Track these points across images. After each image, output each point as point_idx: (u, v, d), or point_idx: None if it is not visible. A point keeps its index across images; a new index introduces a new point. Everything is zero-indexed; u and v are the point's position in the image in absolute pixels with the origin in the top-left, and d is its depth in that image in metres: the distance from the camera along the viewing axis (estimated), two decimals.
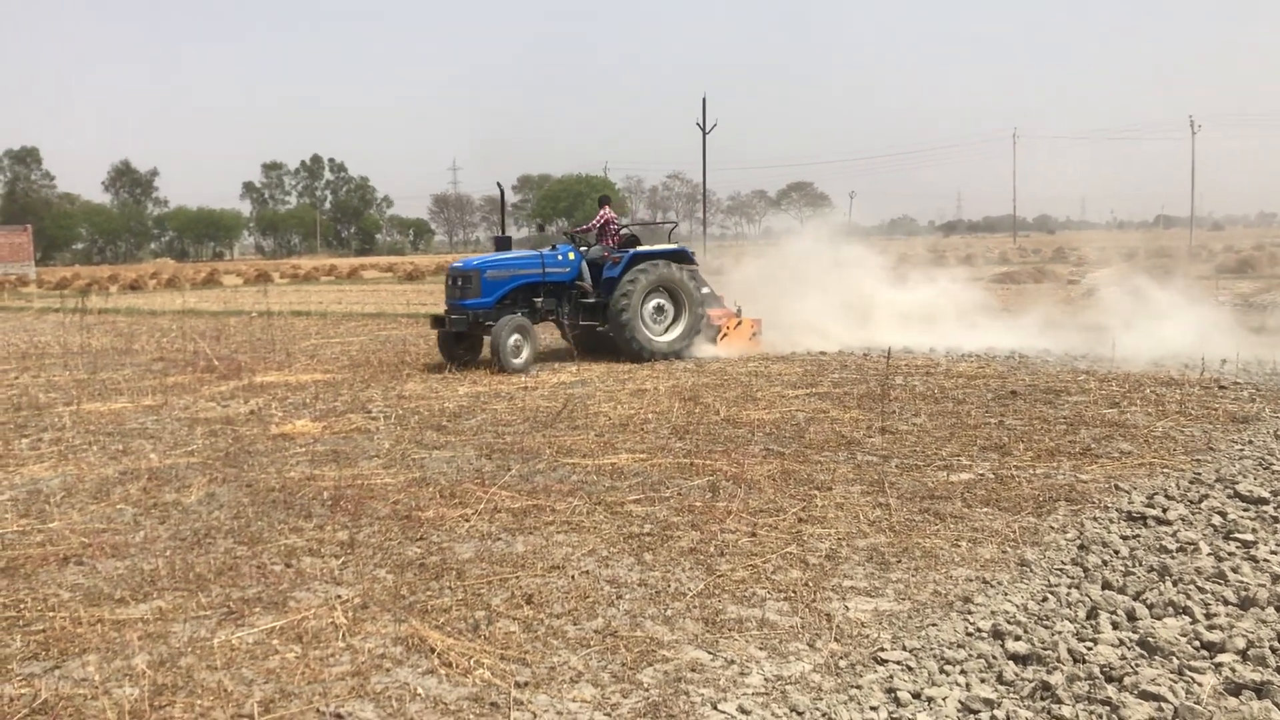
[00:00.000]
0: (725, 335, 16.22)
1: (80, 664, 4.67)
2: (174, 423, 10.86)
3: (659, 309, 15.61)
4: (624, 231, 16.57)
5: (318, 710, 4.21)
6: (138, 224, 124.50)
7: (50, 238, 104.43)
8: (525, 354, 14.44)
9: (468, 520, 6.89)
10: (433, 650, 4.74)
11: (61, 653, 4.80)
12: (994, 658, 4.61)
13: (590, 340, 16.12)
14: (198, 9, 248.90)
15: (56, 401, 12.45)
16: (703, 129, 61.66)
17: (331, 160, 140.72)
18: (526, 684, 4.41)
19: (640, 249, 15.90)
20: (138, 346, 19.54)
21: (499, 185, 18.12)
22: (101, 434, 10.26)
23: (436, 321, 15.45)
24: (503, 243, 16.59)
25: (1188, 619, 4.97)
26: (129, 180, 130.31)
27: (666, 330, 15.68)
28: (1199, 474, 7.83)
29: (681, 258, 16.05)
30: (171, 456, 9.12)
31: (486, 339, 15.19)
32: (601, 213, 16.49)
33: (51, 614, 5.28)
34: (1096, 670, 4.39)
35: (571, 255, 15.62)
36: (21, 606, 5.41)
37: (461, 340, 15.19)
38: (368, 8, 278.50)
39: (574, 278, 15.60)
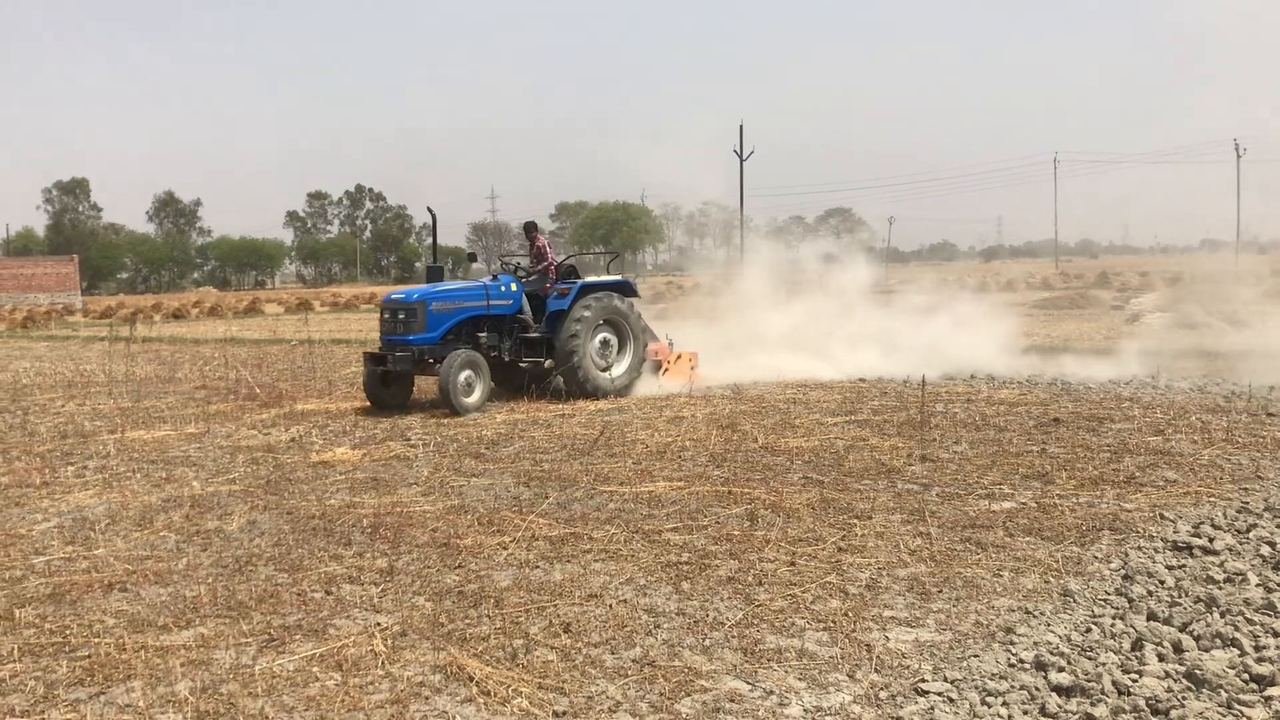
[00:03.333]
0: (667, 369, 15.64)
1: (125, 690, 4.72)
2: (216, 450, 10.98)
3: (604, 343, 14.76)
4: (566, 262, 15.73)
5: None
6: (181, 253, 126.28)
7: (96, 267, 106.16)
8: (478, 393, 13.35)
9: (506, 548, 6.90)
10: (471, 678, 4.75)
11: (106, 679, 4.85)
12: (1037, 689, 4.54)
13: (501, 372, 14.87)
14: (245, 44, 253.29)
15: (101, 429, 12.63)
16: (740, 156, 61.91)
17: (371, 190, 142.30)
18: (564, 713, 4.41)
19: (588, 280, 15.05)
20: (181, 375, 19.80)
21: (429, 210, 16.66)
22: (145, 462, 10.39)
23: (374, 360, 13.83)
24: (435, 272, 15.32)
25: (1236, 651, 4.88)
26: (173, 210, 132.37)
27: (611, 366, 14.87)
28: (1246, 503, 7.70)
29: (625, 289, 15.30)
30: (214, 484, 9.22)
31: (418, 377, 14.36)
32: (539, 241, 15.55)
33: (96, 640, 5.35)
34: (1142, 703, 4.32)
35: (514, 286, 14.64)
36: (67, 633, 5.49)
37: (390, 381, 13.96)
38: (407, 39, 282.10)
39: (516, 310, 14.63)
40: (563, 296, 14.58)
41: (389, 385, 13.94)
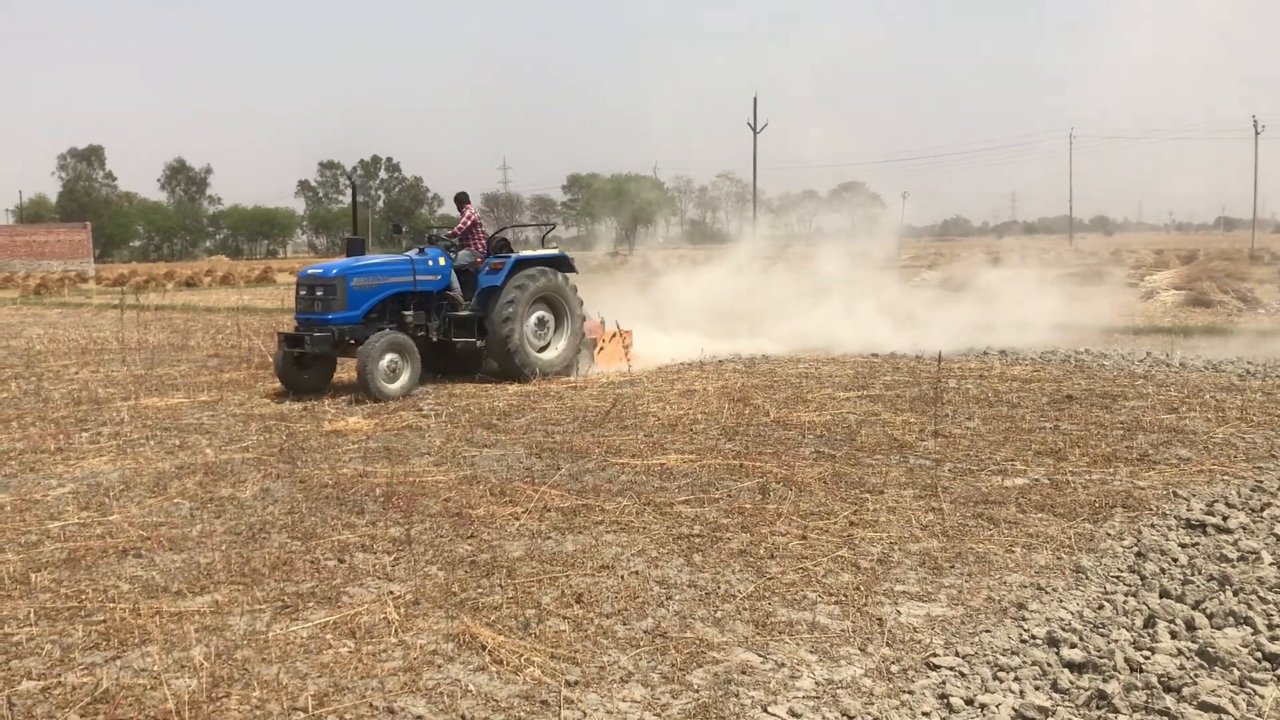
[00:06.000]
0: (601, 349, 14.89)
1: (140, 655, 4.76)
2: (229, 418, 11.02)
3: (540, 322, 13.81)
4: (498, 235, 14.65)
5: (370, 705, 4.25)
6: (193, 222, 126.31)
7: (108, 235, 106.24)
8: (405, 378, 12.28)
9: (518, 519, 6.92)
10: (484, 647, 4.77)
11: (121, 643, 4.89)
12: (1049, 665, 4.55)
13: (428, 354, 13.47)
14: (258, 11, 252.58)
15: (115, 396, 12.68)
16: (753, 128, 61.66)
17: (388, 159, 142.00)
18: (577, 683, 4.43)
19: (523, 254, 14.04)
20: (193, 343, 19.85)
21: (349, 178, 14.68)
22: (158, 429, 10.43)
23: (291, 341, 12.57)
24: (356, 245, 14.07)
25: (1249, 629, 4.87)
26: (184, 178, 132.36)
27: (548, 346, 13.97)
28: (1261, 482, 7.67)
29: (562, 264, 14.34)
30: (227, 452, 9.25)
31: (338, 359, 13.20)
32: (467, 212, 14.37)
33: (112, 605, 5.38)
34: (1154, 680, 4.32)
35: (442, 261, 13.49)
36: (83, 597, 5.52)
37: (307, 364, 12.77)
38: (418, 6, 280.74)
39: (445, 287, 13.55)
40: (495, 272, 13.59)
41: (306, 368, 12.80)
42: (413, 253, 13.60)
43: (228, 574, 5.87)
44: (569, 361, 14.12)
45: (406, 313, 13.09)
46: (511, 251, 14.19)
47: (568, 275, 14.36)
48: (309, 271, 13.10)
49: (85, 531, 6.78)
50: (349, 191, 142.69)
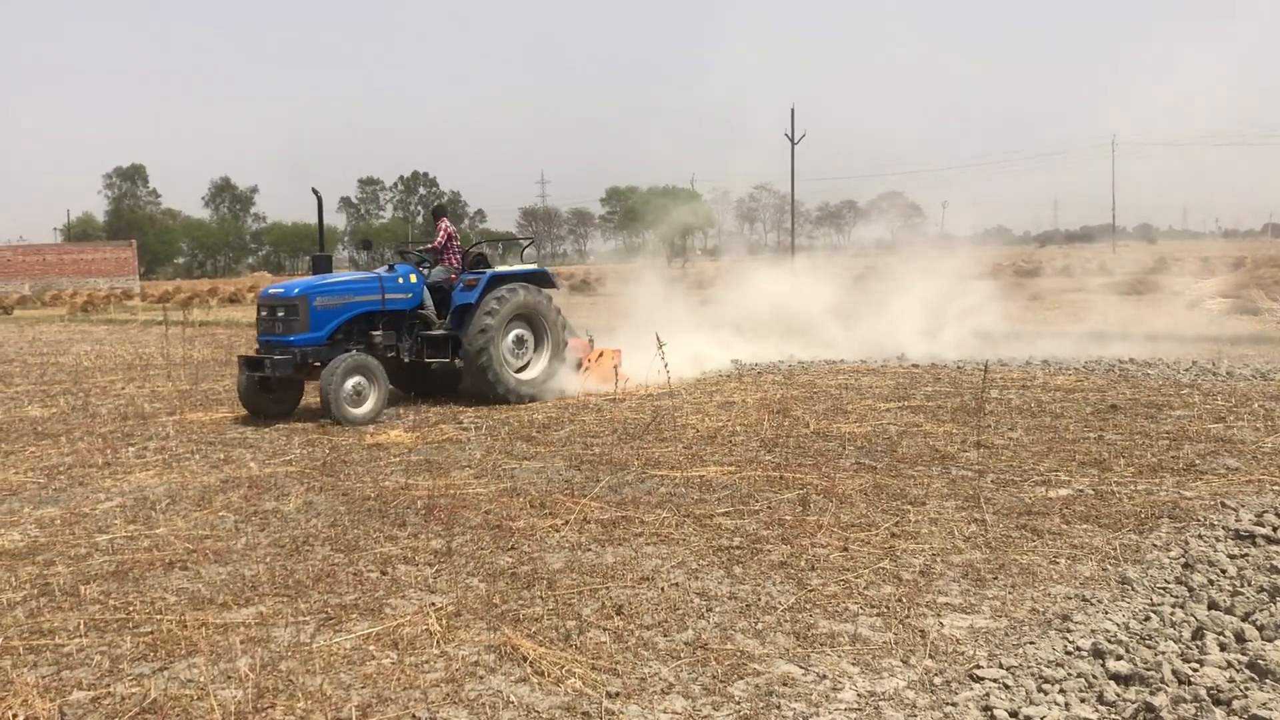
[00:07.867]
0: (587, 368, 14.19)
1: (187, 666, 4.82)
2: (272, 433, 11.14)
3: (519, 340, 13.24)
4: (471, 250, 14.24)
5: (413, 715, 4.28)
6: (236, 239, 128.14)
7: (153, 252, 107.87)
8: (371, 402, 11.73)
9: (558, 531, 6.94)
10: (525, 659, 4.79)
11: (169, 654, 4.95)
12: (1094, 677, 4.49)
13: (403, 375, 13.46)
14: (298, 33, 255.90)
15: (160, 411, 12.86)
16: (791, 139, 61.50)
17: (426, 175, 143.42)
18: (618, 694, 4.43)
19: (499, 270, 13.54)
20: (237, 358, 20.07)
21: (315, 191, 13.96)
22: (203, 443, 10.57)
23: (251, 364, 12.05)
24: (322, 262, 13.33)
25: None
26: (228, 196, 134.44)
27: (527, 365, 13.40)
28: None
29: (542, 280, 13.85)
30: (270, 465, 9.35)
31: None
32: (442, 226, 13.88)
33: (159, 617, 5.45)
34: (1203, 693, 4.25)
35: (413, 278, 12.99)
36: (131, 609, 5.60)
37: (271, 386, 12.23)
38: (456, 22, 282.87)
39: (417, 305, 13.03)
40: (470, 289, 13.01)
41: (271, 392, 12.29)
42: (382, 270, 13.14)
43: (272, 586, 5.93)
44: (547, 382, 13.51)
45: (375, 333, 12.57)
46: (488, 267, 13.82)
47: (547, 291, 13.84)
48: (270, 291, 12.56)
49: (133, 544, 6.88)
50: (389, 207, 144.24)
